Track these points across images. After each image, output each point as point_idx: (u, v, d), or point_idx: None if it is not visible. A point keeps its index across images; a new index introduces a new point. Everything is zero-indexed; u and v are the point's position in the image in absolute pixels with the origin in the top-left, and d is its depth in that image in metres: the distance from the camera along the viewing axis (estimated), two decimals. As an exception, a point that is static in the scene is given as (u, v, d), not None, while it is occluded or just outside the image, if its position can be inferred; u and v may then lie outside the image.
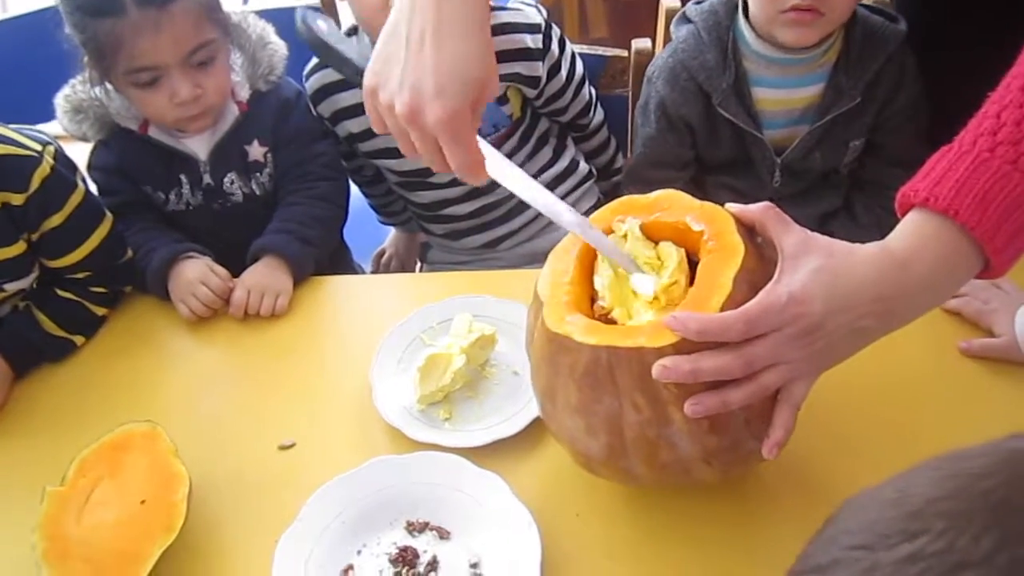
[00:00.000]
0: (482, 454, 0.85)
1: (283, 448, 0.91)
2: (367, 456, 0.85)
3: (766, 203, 0.71)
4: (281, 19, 1.23)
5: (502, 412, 0.91)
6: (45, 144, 1.01)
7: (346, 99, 1.25)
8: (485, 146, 0.74)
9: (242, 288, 1.08)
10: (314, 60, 1.27)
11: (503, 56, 1.15)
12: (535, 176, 1.30)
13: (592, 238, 0.74)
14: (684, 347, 0.64)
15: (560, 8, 2.33)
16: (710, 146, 1.23)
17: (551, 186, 1.31)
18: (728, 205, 0.73)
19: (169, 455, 0.85)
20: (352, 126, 1.27)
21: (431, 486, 0.82)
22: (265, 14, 1.23)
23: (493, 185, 1.27)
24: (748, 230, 0.72)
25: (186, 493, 0.82)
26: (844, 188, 1.27)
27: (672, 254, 0.73)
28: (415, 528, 0.80)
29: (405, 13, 0.71)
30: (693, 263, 0.72)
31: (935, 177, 0.68)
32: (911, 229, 0.68)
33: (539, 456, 0.87)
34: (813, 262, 0.66)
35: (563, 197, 1.33)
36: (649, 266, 0.73)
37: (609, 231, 0.76)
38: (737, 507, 0.80)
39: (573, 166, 1.36)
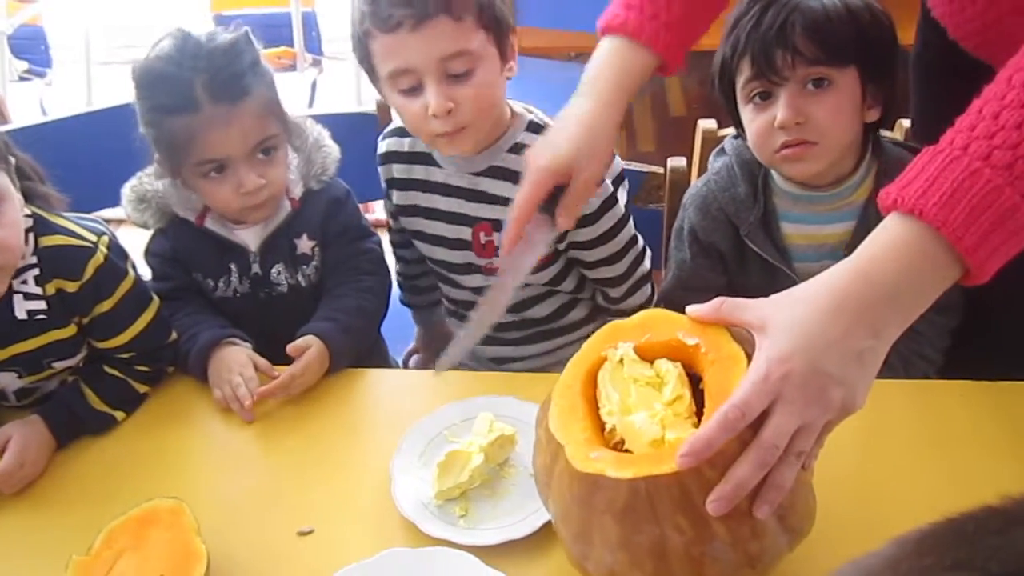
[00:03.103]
0: (494, 553, 0.87)
1: (301, 534, 0.93)
2: (382, 548, 0.87)
3: (717, 299, 0.73)
4: (335, 124, 1.31)
5: (517, 512, 0.92)
6: (100, 235, 1.08)
7: (397, 171, 1.31)
8: (529, 247, 0.96)
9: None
10: (392, 125, 1.32)
11: (507, 175, 1.20)
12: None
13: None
14: (718, 461, 0.65)
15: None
16: (740, 274, 1.24)
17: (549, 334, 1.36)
18: (688, 309, 0.75)
19: (191, 532, 0.88)
20: (396, 197, 1.32)
21: (440, 582, 0.83)
22: (321, 119, 1.32)
23: (518, 307, 1.32)
24: (737, 332, 0.72)
25: (204, 572, 0.84)
26: None
27: (671, 370, 0.74)
28: (421, 622, 0.81)
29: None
30: (690, 375, 0.74)
31: (907, 179, 0.67)
32: (876, 236, 0.68)
33: (550, 558, 0.88)
34: (778, 321, 0.67)
35: (559, 307, 1.35)
36: (651, 385, 0.74)
37: (602, 360, 0.78)
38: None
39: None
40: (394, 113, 1.25)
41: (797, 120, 1.08)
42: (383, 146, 1.32)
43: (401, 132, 1.30)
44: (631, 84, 0.96)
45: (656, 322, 0.78)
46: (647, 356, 0.77)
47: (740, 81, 1.13)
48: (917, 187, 0.66)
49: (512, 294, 0.96)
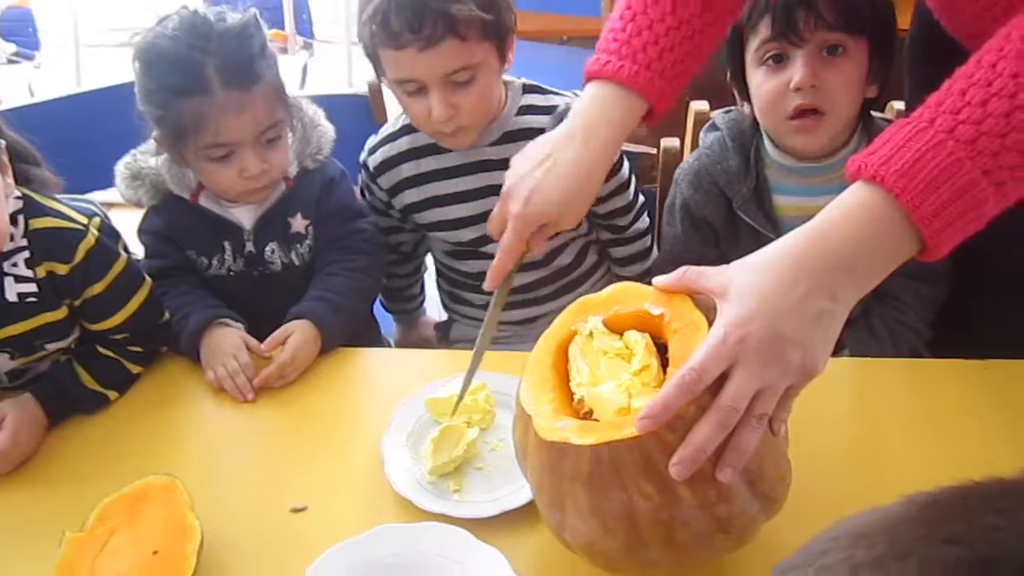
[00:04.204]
0: (489, 526, 0.87)
1: (295, 511, 0.94)
2: (375, 524, 0.87)
3: (681, 268, 0.73)
4: (327, 106, 1.31)
5: (510, 485, 0.93)
6: (91, 216, 1.07)
7: (406, 171, 1.32)
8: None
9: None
10: (380, 135, 1.34)
11: (523, 135, 1.23)
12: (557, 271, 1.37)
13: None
14: (678, 425, 0.66)
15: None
16: (732, 247, 1.25)
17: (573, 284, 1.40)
18: (654, 279, 0.75)
19: (185, 508, 0.88)
20: (410, 196, 1.33)
21: (433, 556, 0.84)
22: (313, 100, 1.31)
23: (547, 259, 1.35)
24: (701, 300, 0.73)
25: (197, 547, 0.84)
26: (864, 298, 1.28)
27: (639, 340, 0.75)
28: (414, 595, 0.81)
29: (551, 139, 0.94)
30: (659, 345, 0.75)
31: (874, 147, 0.68)
32: (838, 201, 0.69)
33: (542, 533, 0.88)
34: (738, 286, 0.67)
35: (579, 252, 1.40)
36: (620, 356, 0.75)
37: (573, 334, 0.79)
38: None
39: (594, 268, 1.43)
40: (390, 107, 1.29)
41: (813, 83, 1.09)
42: (379, 156, 1.33)
43: (391, 138, 1.32)
44: (625, 131, 0.96)
45: (624, 295, 0.79)
46: (617, 328, 0.78)
47: (754, 43, 1.13)
48: (881, 155, 0.67)
49: (501, 306, 0.96)
